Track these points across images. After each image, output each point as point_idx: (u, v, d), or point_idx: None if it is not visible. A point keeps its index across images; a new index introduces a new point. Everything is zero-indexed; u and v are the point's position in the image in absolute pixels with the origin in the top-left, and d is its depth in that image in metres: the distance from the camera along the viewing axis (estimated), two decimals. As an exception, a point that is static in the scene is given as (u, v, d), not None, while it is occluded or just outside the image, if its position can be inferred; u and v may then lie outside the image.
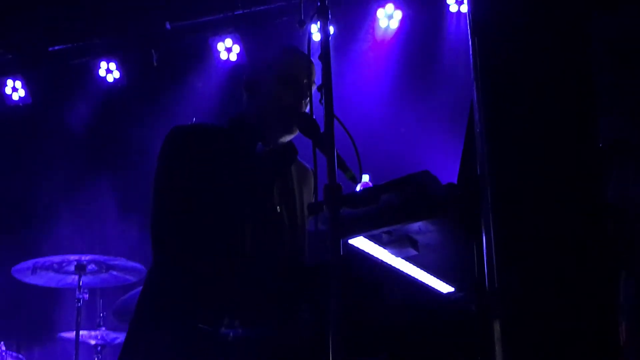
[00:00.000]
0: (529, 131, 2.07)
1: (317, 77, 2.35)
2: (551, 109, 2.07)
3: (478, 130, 2.15)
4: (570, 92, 2.08)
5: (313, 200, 3.03)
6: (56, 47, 7.56)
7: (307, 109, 2.74)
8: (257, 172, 2.79)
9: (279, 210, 2.83)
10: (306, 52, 2.50)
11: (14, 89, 7.75)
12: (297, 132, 2.89)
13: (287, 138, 2.92)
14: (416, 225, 2.45)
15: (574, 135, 2.05)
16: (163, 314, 2.62)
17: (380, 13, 6.87)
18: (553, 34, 2.12)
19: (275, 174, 2.86)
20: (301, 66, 2.82)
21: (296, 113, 2.80)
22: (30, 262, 5.52)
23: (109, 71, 7.58)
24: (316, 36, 6.51)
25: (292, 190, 2.92)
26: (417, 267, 2.71)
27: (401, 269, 2.67)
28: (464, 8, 6.57)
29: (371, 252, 2.59)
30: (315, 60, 2.41)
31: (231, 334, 2.43)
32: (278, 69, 2.85)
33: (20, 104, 7.82)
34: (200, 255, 2.62)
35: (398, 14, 6.87)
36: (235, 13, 7.10)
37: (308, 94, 2.80)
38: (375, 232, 2.48)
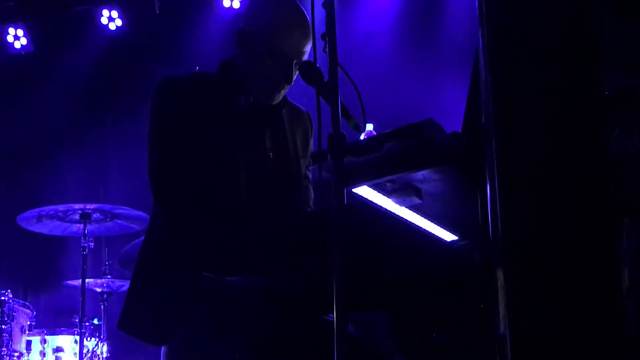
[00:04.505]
0: (535, 79, 2.05)
1: (321, 25, 2.32)
2: (558, 56, 2.06)
3: (483, 78, 2.13)
4: (575, 38, 2.07)
5: (308, 142, 3.02)
6: (58, -6, 7.49)
7: (311, 57, 2.72)
8: (247, 121, 2.78)
9: (271, 157, 2.82)
10: (310, 1, 2.47)
11: (16, 37, 7.70)
12: (287, 88, 2.85)
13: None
14: (420, 174, 2.45)
15: (580, 84, 2.04)
16: (165, 262, 2.64)
17: (385, -41, 6.79)
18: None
19: (265, 121, 2.85)
20: (298, 37, 2.75)
21: (283, 80, 2.77)
22: (35, 211, 5.54)
23: (111, 19, 7.52)
24: (320, -17, 6.44)
25: (284, 135, 2.90)
26: (421, 215, 2.72)
27: (405, 217, 2.68)
28: (470, -46, 6.47)
29: (375, 201, 2.60)
30: (318, 7, 2.38)
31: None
32: (273, 39, 2.74)
33: (22, 52, 7.77)
34: (198, 204, 2.62)
35: (403, -40, 6.79)
36: (238, -41, 7.02)
37: (301, 59, 2.75)
38: (379, 180, 2.48)
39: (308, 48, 2.73)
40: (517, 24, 2.09)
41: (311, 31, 2.64)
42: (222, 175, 2.67)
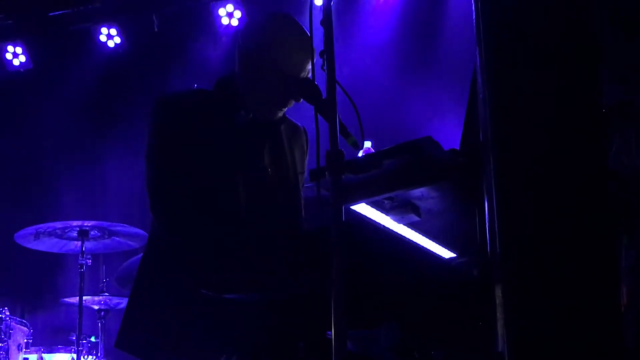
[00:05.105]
0: (533, 97, 2.06)
1: (319, 43, 2.33)
2: (555, 74, 2.06)
3: (481, 96, 2.14)
4: (575, 56, 2.07)
5: (305, 158, 3.03)
6: (56, 12, 7.51)
7: (310, 75, 2.73)
8: (246, 137, 2.78)
9: (270, 173, 2.83)
10: (308, 18, 2.47)
11: (15, 55, 7.72)
12: (288, 107, 2.86)
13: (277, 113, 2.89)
14: (418, 191, 2.45)
15: (577, 101, 2.04)
16: (163, 279, 2.64)
17: (383, -23, 6.82)
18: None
19: (264, 139, 2.85)
20: (301, 55, 2.75)
21: (290, 97, 2.78)
22: (32, 228, 5.53)
23: (109, 37, 7.54)
24: (318, 1, 6.47)
25: (283, 151, 2.91)
26: (419, 233, 2.72)
27: (403, 234, 2.67)
28: (467, -28, 6.49)
29: (373, 218, 2.59)
30: (317, 25, 2.39)
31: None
32: (276, 58, 2.75)
33: (21, 70, 7.79)
34: (196, 221, 2.62)
35: (400, -22, 6.82)
36: (237, -22, 7.05)
37: (303, 76, 2.75)
38: (378, 198, 2.48)
39: (310, 65, 2.74)
40: (514, 42, 2.10)
41: (313, 48, 2.65)
42: (221, 193, 2.68)
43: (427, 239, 2.76)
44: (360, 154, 3.16)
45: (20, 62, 7.74)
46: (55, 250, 5.95)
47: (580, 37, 2.07)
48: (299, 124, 3.06)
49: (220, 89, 2.88)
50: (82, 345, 5.59)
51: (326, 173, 2.18)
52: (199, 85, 3.07)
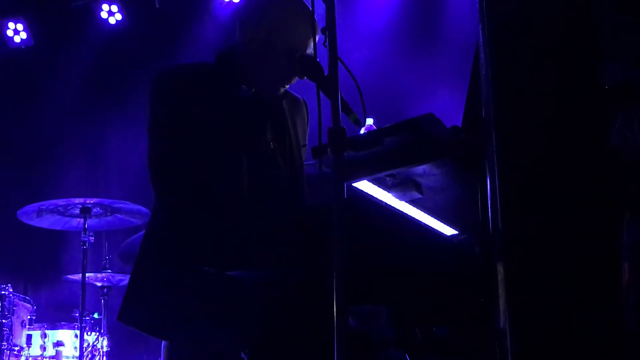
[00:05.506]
0: (535, 73, 2.05)
1: (321, 19, 2.32)
2: (558, 51, 2.05)
3: (483, 72, 2.13)
4: (576, 34, 2.06)
5: (306, 129, 3.03)
6: (57, -11, 7.49)
7: (311, 51, 2.71)
8: (248, 112, 2.77)
9: (272, 148, 2.82)
10: (310, -6, 2.46)
11: (16, 32, 7.69)
12: (295, 80, 2.85)
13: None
14: (420, 168, 2.45)
15: (580, 77, 2.04)
16: (165, 256, 2.64)
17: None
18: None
19: (266, 112, 2.84)
20: (303, 33, 2.74)
21: (295, 74, 2.77)
22: (35, 205, 5.54)
23: (110, 13, 7.52)
24: (320, -23, 6.44)
25: (285, 125, 2.90)
26: (421, 210, 2.71)
27: (405, 211, 2.67)
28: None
29: (375, 195, 2.59)
30: (319, 1, 2.37)
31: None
32: (279, 35, 2.73)
33: (22, 47, 7.77)
34: (198, 199, 2.62)
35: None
36: (238, -47, 7.02)
37: (308, 52, 2.74)
38: (379, 175, 2.48)
39: (316, 36, 2.72)
40: (517, 19, 2.09)
41: (316, 24, 2.64)
42: (223, 168, 2.67)
43: (429, 216, 2.76)
44: (362, 131, 3.16)
45: (22, 39, 7.71)
46: (57, 228, 5.97)
47: (584, 16, 2.07)
48: (299, 96, 3.05)
49: (222, 63, 2.86)
50: (85, 322, 5.63)
51: (328, 150, 2.18)
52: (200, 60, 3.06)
